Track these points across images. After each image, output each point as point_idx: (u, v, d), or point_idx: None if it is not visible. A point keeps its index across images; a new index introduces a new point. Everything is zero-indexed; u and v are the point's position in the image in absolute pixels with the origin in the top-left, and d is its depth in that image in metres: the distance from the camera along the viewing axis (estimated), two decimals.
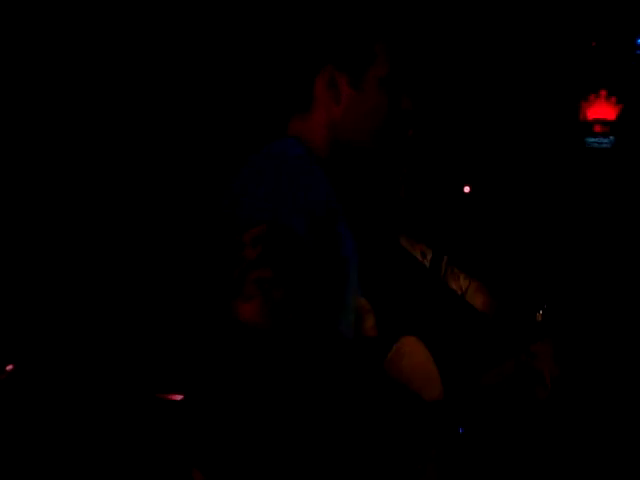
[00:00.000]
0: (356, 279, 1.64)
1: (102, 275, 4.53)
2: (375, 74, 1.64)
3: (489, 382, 1.95)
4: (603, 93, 5.48)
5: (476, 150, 5.15)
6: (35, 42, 4.48)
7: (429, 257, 2.66)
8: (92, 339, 4.21)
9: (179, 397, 3.45)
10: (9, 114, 4.48)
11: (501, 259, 4.37)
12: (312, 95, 1.64)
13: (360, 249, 1.69)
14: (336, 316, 1.55)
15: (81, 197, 4.65)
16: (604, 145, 5.53)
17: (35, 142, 4.59)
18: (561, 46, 5.24)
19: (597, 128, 5.51)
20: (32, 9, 4.43)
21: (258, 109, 4.09)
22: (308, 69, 1.64)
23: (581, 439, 4.21)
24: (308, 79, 1.64)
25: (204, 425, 1.51)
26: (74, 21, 4.53)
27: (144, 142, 4.80)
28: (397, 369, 1.70)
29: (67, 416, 3.70)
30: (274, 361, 1.40)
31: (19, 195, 4.56)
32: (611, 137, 5.53)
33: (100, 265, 4.57)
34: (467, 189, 4.55)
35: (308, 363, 1.42)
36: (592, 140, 5.53)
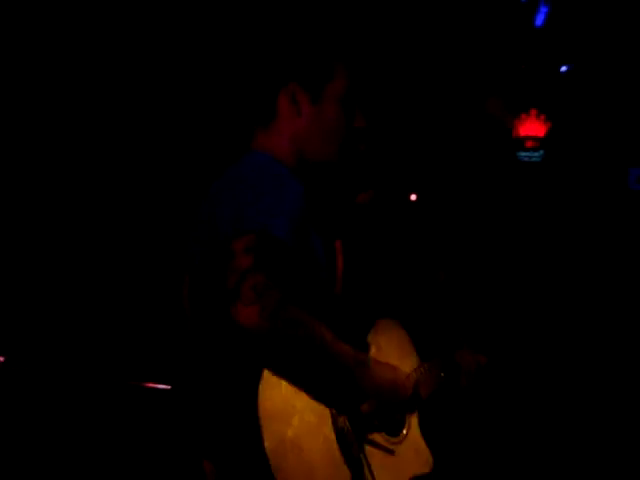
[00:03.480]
0: (325, 273, 1.69)
1: (99, 283, 4.54)
2: (333, 91, 1.68)
3: (425, 370, 2.07)
4: (533, 112, 5.82)
5: (422, 164, 5.36)
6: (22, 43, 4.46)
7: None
8: (94, 344, 4.20)
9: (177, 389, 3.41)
10: (9, 114, 4.47)
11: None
12: (275, 109, 1.68)
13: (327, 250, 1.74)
14: (316, 306, 1.59)
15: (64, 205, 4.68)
16: (534, 159, 5.87)
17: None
18: (495, 70, 5.57)
19: (528, 143, 5.84)
20: (32, 9, 4.41)
21: (222, 123, 4.34)
22: (273, 85, 1.67)
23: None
24: (272, 94, 1.67)
25: (211, 419, 1.58)
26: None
27: (114, 154, 4.79)
28: (377, 344, 1.85)
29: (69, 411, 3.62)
30: (275, 359, 1.49)
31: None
32: (541, 151, 5.86)
33: (96, 272, 4.58)
34: (414, 197, 4.90)
35: (303, 360, 1.51)
36: (524, 154, 5.87)
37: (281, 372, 1.52)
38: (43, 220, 4.66)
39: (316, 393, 1.57)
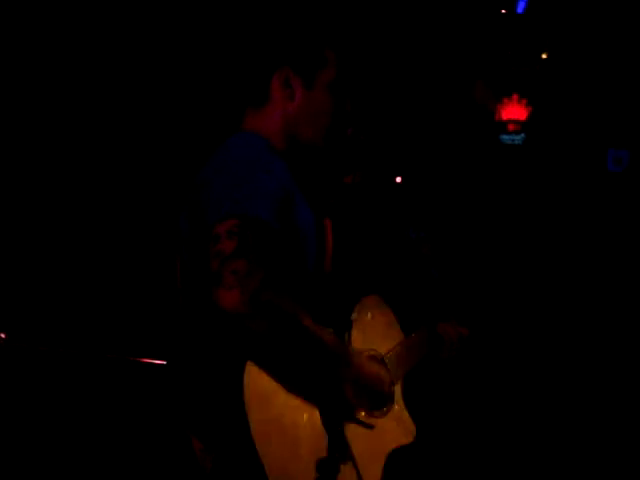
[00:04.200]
0: (314, 247, 1.71)
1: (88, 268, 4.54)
2: (324, 77, 1.74)
3: (409, 343, 2.09)
4: (515, 96, 5.93)
5: (409, 146, 5.48)
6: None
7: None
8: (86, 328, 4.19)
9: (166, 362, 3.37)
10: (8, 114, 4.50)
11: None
12: (268, 92, 1.73)
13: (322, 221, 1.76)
14: (301, 278, 1.63)
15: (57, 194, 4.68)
16: (516, 142, 6.00)
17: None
18: (479, 56, 5.69)
19: (510, 127, 5.96)
20: (28, 9, 4.42)
21: (214, 102, 4.37)
22: (267, 68, 1.72)
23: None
24: (266, 77, 1.72)
25: (199, 398, 1.61)
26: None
27: (104, 140, 4.78)
28: (362, 321, 1.85)
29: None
30: (254, 343, 1.50)
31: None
32: (522, 134, 5.98)
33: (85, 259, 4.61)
34: (399, 179, 5.01)
35: (279, 343, 1.51)
36: (506, 137, 6.01)
37: (262, 355, 1.54)
38: (38, 203, 4.71)
39: (297, 378, 1.60)
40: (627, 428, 4.06)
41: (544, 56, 5.61)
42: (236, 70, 1.77)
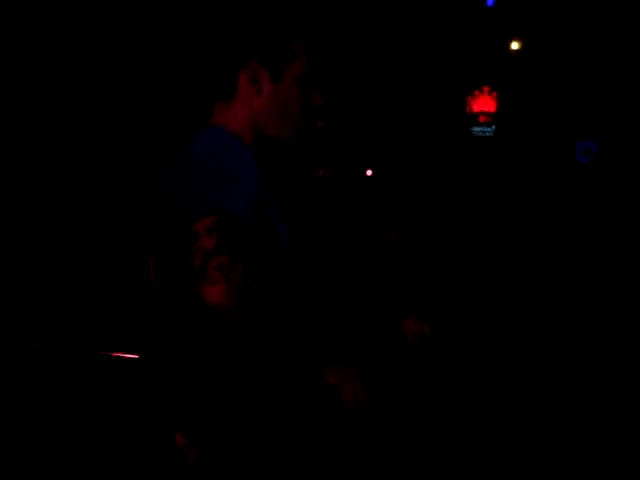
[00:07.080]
0: (284, 241, 1.72)
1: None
2: (292, 71, 1.68)
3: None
4: (486, 89, 6.12)
5: (380, 138, 5.57)
6: None
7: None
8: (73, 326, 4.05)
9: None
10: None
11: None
12: (236, 86, 1.68)
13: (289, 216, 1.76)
14: (278, 270, 1.62)
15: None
16: (487, 133, 6.18)
17: None
18: (449, 50, 5.80)
19: (481, 119, 6.16)
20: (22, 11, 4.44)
21: (180, 97, 4.39)
22: (234, 62, 1.69)
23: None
24: (234, 71, 1.68)
25: (182, 393, 1.56)
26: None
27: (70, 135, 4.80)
28: None
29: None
30: (239, 336, 1.47)
31: None
32: (493, 126, 6.17)
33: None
34: (369, 172, 5.10)
35: (264, 340, 1.49)
36: (477, 129, 6.18)
37: (246, 347, 1.51)
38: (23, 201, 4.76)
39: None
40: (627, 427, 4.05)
41: (514, 47, 5.69)
42: (204, 64, 1.76)
